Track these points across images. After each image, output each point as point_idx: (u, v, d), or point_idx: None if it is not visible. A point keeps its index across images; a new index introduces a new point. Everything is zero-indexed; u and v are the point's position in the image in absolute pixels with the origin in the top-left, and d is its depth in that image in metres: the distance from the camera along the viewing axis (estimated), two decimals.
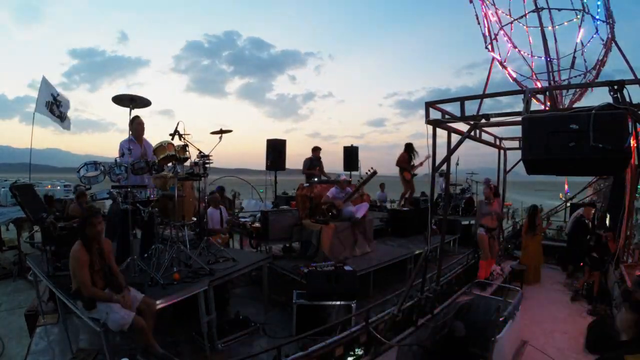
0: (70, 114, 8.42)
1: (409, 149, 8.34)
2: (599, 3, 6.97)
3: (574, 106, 5.95)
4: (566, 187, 14.16)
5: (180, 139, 4.24)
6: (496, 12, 7.77)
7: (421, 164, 8.20)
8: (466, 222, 8.86)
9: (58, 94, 7.95)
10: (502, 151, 7.41)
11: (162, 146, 4.09)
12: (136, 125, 4.49)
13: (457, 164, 10.31)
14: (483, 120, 4.07)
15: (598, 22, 7.05)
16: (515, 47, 7.83)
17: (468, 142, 5.13)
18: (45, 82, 7.85)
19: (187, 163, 4.34)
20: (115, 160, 3.87)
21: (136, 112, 4.14)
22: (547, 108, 4.16)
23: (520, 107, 3.62)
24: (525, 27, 7.64)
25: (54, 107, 7.84)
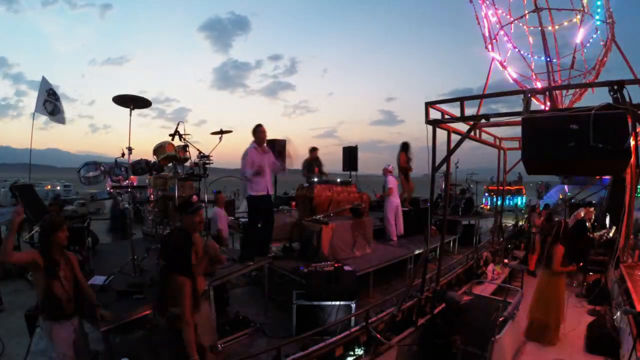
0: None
1: (406, 148, 8.27)
2: (599, 3, 6.96)
3: (574, 106, 5.95)
4: (566, 187, 14.19)
5: (180, 140, 4.25)
6: (496, 12, 7.76)
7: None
8: (466, 222, 8.86)
9: (52, 90, 7.93)
10: (502, 151, 7.41)
11: (162, 147, 4.10)
12: (260, 133, 4.47)
13: (457, 167, 10.28)
14: (483, 121, 4.08)
15: (598, 23, 7.05)
16: (515, 47, 7.82)
17: (468, 142, 5.14)
18: (44, 81, 7.85)
19: (187, 163, 4.35)
20: (116, 160, 3.88)
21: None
22: (547, 108, 4.16)
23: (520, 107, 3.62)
24: (525, 27, 7.63)
25: (47, 103, 7.84)
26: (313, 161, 7.95)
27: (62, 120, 8.22)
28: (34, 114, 7.59)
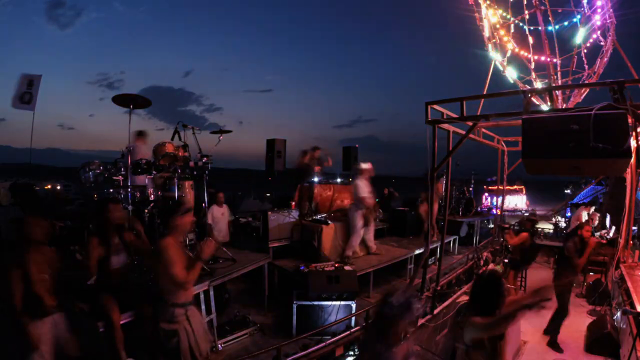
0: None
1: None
2: (599, 3, 6.96)
3: (573, 106, 5.95)
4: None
5: (180, 139, 4.25)
6: (496, 12, 7.77)
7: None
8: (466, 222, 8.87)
9: (32, 80, 7.76)
10: (502, 151, 7.42)
11: (161, 146, 4.09)
12: None
13: (458, 165, 10.19)
14: (483, 121, 4.08)
15: (598, 22, 7.05)
16: (515, 47, 7.82)
17: (469, 142, 5.14)
18: (22, 77, 7.72)
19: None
20: (115, 160, 3.87)
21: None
22: (547, 108, 4.16)
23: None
24: (525, 27, 7.64)
25: (25, 95, 7.69)
26: (315, 160, 7.87)
27: (32, 108, 7.72)
28: (33, 113, 7.55)
